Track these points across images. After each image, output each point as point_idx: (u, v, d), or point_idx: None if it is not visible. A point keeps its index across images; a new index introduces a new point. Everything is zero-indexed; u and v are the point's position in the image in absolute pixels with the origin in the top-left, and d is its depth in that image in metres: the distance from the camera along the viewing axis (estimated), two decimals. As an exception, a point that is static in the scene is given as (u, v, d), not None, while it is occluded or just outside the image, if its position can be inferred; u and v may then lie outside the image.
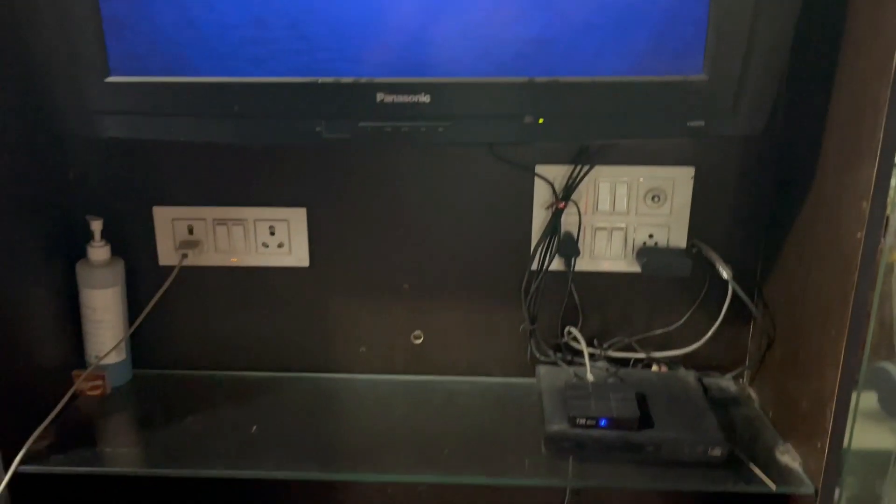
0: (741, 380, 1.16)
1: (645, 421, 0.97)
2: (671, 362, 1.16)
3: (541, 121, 0.88)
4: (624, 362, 1.16)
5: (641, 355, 1.15)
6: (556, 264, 1.12)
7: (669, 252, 1.10)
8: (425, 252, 1.13)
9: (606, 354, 1.15)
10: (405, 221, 1.12)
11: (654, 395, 1.05)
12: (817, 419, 0.92)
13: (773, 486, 0.92)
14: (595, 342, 1.16)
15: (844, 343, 0.86)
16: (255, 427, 1.04)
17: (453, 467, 0.97)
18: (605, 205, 1.09)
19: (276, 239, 1.12)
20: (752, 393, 1.13)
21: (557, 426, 0.97)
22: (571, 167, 1.07)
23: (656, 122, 0.88)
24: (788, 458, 0.98)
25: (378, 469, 0.97)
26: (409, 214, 1.11)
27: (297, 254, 1.13)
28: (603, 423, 0.96)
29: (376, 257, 1.13)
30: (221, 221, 1.11)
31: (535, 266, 1.10)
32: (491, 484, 0.96)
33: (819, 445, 0.91)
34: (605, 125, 0.89)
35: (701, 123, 0.88)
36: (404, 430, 1.05)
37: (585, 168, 1.07)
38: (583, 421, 0.97)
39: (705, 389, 1.08)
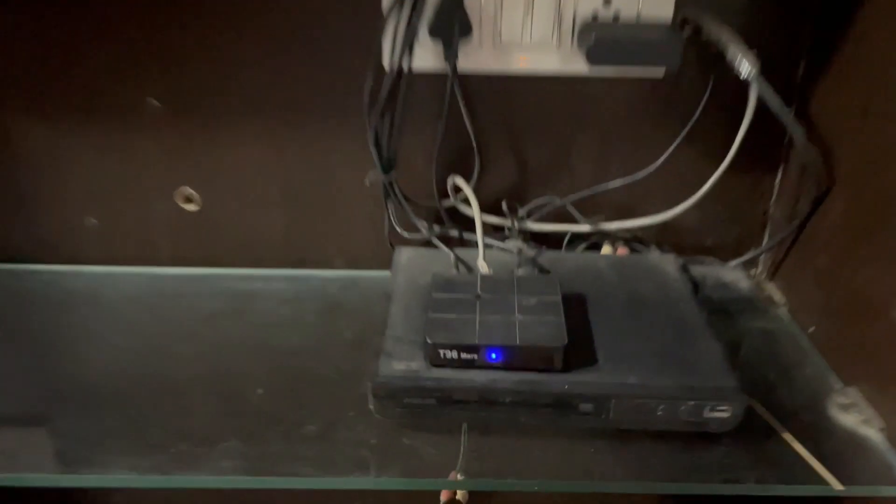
0: (754, 270, 0.68)
1: (578, 352, 0.49)
2: (635, 240, 0.66)
3: None
4: (555, 240, 0.66)
5: (584, 228, 0.65)
6: (428, 57, 0.59)
7: (641, 29, 0.57)
8: (184, 34, 0.59)
9: (522, 227, 0.65)
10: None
11: (602, 298, 0.55)
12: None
13: (837, 486, 0.45)
14: (504, 206, 0.65)
15: None
16: None
17: (207, 439, 0.48)
18: (518, -67, 0.56)
19: None
20: (776, 293, 0.64)
21: (400, 365, 0.48)
22: None
23: None
24: (856, 417, 0.50)
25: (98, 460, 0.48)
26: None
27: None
28: (493, 356, 0.47)
29: (91, 48, 0.59)
30: None
31: (386, 61, 0.58)
32: (262, 487, 0.47)
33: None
34: None
35: None
36: (169, 364, 0.55)
37: None
38: (452, 353, 0.47)
39: (695, 285, 0.59)
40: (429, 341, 0.47)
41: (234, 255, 0.68)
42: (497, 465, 0.47)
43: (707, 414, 0.47)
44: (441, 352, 0.47)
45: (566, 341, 0.47)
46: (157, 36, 0.59)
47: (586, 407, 0.47)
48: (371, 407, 0.48)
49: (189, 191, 0.65)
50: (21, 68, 0.60)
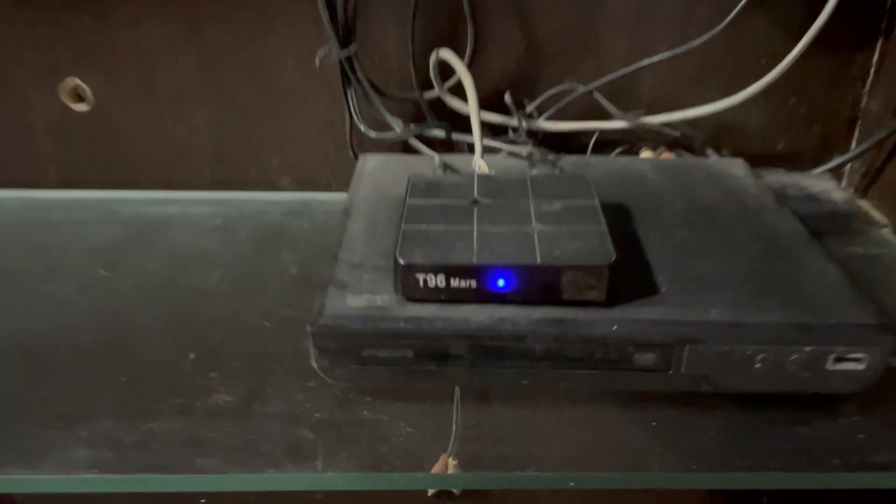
0: (841, 182, 0.51)
1: (632, 277, 0.32)
2: (683, 147, 0.49)
3: None
4: (574, 145, 0.49)
5: (617, 124, 0.48)
6: None
7: None
8: None
9: (533, 127, 0.48)
10: None
11: (655, 210, 0.39)
12: None
13: None
14: (508, 97, 0.48)
15: None
16: None
17: (68, 417, 0.31)
18: None
19: None
20: (872, 210, 0.48)
21: (357, 301, 0.31)
22: None
23: None
24: None
25: None
26: None
27: None
28: (500, 282, 0.30)
29: None
30: None
31: None
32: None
33: None
34: None
35: None
36: (60, 313, 0.39)
37: None
38: (436, 280, 0.30)
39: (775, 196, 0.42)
40: (401, 262, 0.30)
41: (141, 173, 0.50)
42: (506, 451, 0.31)
43: (832, 366, 0.30)
44: (420, 277, 0.30)
45: (613, 257, 0.30)
46: None
47: (645, 358, 0.30)
48: (314, 364, 0.31)
49: (78, 83, 0.48)
50: None
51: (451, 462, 0.30)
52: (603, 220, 0.33)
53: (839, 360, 0.30)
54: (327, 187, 0.51)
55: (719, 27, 0.44)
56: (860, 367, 0.30)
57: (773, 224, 0.37)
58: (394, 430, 0.31)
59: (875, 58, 0.48)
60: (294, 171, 0.51)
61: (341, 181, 0.50)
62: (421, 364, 0.31)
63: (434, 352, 0.31)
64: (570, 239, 0.31)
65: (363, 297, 0.31)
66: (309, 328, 0.30)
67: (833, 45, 0.46)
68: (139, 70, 0.47)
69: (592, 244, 0.31)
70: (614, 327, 0.30)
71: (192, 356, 0.35)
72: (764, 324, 0.30)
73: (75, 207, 0.49)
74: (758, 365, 0.30)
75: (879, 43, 0.47)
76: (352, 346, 0.30)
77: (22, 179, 0.50)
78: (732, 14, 0.43)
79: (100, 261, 0.43)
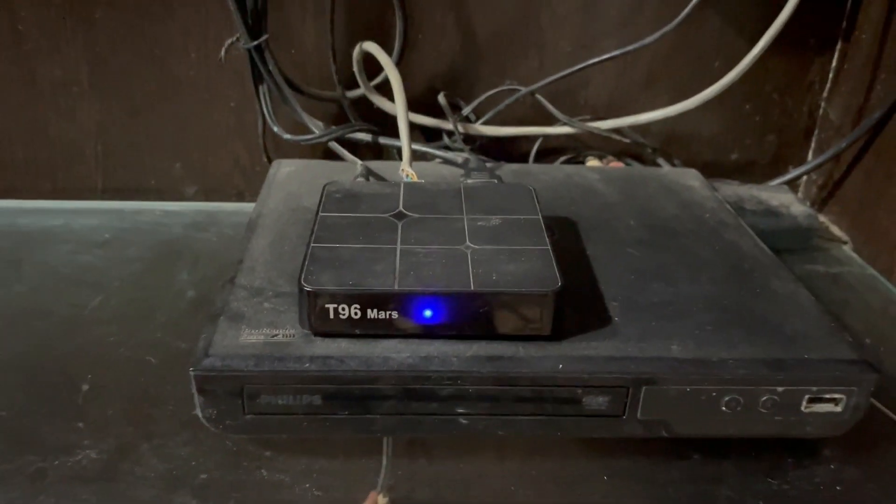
0: (797, 193, 0.48)
1: (583, 307, 0.28)
2: (632, 155, 0.45)
3: None
4: (515, 152, 0.45)
5: (562, 130, 0.44)
6: None
7: None
8: None
9: (469, 132, 0.43)
10: None
11: (603, 225, 0.34)
12: None
13: None
14: (441, 98, 0.43)
15: None
16: None
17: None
18: None
19: None
20: (831, 225, 0.45)
21: (253, 337, 0.26)
22: None
23: None
24: None
25: None
26: None
27: None
28: (427, 312, 0.25)
29: None
30: None
31: None
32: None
33: None
34: None
35: None
36: None
37: None
38: (349, 310, 0.25)
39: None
40: (307, 288, 0.25)
41: (18, 179, 0.43)
42: (436, 510, 0.26)
43: (806, 407, 0.26)
44: (330, 307, 0.25)
45: (559, 283, 0.26)
46: None
47: (596, 402, 0.26)
48: (199, 413, 0.25)
49: (-60, 73, 0.41)
50: None
51: (382, 500, 0.25)
52: (547, 239, 0.28)
53: (815, 400, 0.26)
54: (238, 197, 0.45)
55: (671, 25, 0.40)
56: (838, 408, 0.26)
57: (734, 242, 0.33)
58: (297, 493, 0.26)
59: (834, 62, 0.45)
60: (200, 177, 0.45)
61: (255, 190, 0.44)
62: (330, 412, 0.25)
63: (346, 397, 0.25)
64: (509, 261, 0.27)
65: (261, 332, 0.26)
66: (191, 370, 0.25)
67: (790, 48, 0.43)
68: (15, 58, 0.41)
69: (535, 267, 0.26)
70: (560, 366, 0.25)
71: (53, 401, 0.29)
72: (732, 360, 0.26)
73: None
74: (724, 407, 0.26)
75: (838, 46, 0.44)
76: (244, 391, 0.25)
77: None
78: (685, 12, 0.40)
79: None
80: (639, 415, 0.26)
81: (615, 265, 0.31)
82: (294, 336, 0.26)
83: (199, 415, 0.25)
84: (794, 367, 0.26)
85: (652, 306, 0.28)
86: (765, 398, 0.26)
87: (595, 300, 0.28)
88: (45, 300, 0.35)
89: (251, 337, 0.26)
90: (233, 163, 0.44)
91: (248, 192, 0.45)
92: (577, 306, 0.28)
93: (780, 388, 0.26)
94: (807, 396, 0.26)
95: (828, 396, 0.26)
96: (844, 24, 0.44)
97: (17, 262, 0.38)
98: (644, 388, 0.26)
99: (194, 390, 0.25)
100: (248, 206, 0.44)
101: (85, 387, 0.30)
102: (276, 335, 0.26)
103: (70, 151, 0.43)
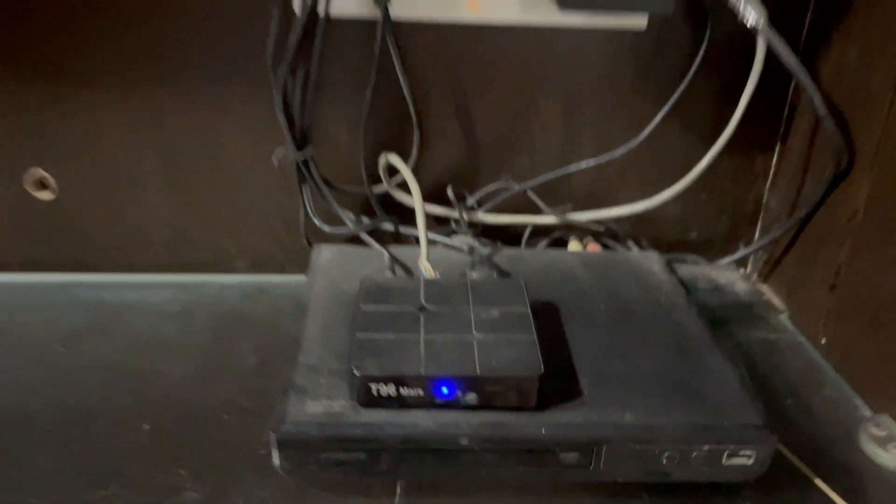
0: (744, 269, 0.57)
1: (560, 384, 0.37)
2: (608, 235, 0.55)
3: None
4: (510, 236, 0.54)
5: (548, 219, 0.53)
6: (351, 1, 0.46)
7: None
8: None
9: (473, 220, 0.52)
10: None
11: (578, 308, 0.44)
12: None
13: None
14: (450, 192, 0.53)
15: None
16: None
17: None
18: None
19: None
20: (773, 296, 0.54)
21: (316, 406, 0.35)
22: None
23: None
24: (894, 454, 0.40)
25: None
26: None
27: None
28: (444, 390, 0.35)
29: None
30: None
31: (297, 5, 0.44)
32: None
33: None
34: None
35: None
36: (18, 396, 0.41)
37: None
38: (387, 390, 0.34)
39: (686, 289, 0.48)
40: (356, 373, 0.34)
41: (101, 257, 0.53)
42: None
43: (726, 461, 0.35)
44: (373, 387, 0.34)
45: (542, 369, 0.35)
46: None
47: (570, 457, 0.35)
48: (276, 464, 0.34)
49: (42, 174, 0.50)
50: None
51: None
52: (533, 329, 0.37)
53: (732, 455, 0.35)
54: (281, 269, 0.54)
55: (638, 139, 0.49)
56: (749, 462, 0.35)
57: (682, 324, 0.42)
58: (346, 522, 0.35)
59: (774, 160, 0.54)
60: (249, 254, 0.54)
61: (294, 264, 0.53)
62: (374, 464, 0.34)
63: (386, 453, 0.34)
64: (505, 349, 0.36)
65: (321, 403, 0.35)
66: (273, 435, 0.34)
67: (739, 149, 0.52)
68: (101, 159, 0.50)
69: (524, 356, 0.35)
70: (542, 431, 0.34)
71: (157, 450, 0.38)
72: (669, 426, 0.35)
73: (37, 291, 0.51)
74: (664, 460, 0.35)
75: (777, 148, 0.54)
76: (311, 449, 0.34)
77: (-18, 261, 0.52)
78: (649, 128, 0.49)
79: (61, 349, 0.45)
80: (601, 466, 0.35)
81: (587, 345, 0.40)
82: (345, 407, 0.35)
83: (277, 466, 0.34)
84: (716, 432, 0.35)
85: (613, 381, 0.37)
86: (695, 454, 0.35)
87: (570, 376, 0.38)
88: (136, 364, 0.44)
89: (314, 408, 0.35)
90: (276, 242, 0.53)
91: (288, 265, 0.54)
92: (557, 382, 0.37)
93: (706, 447, 0.35)
94: (726, 453, 0.35)
95: (741, 453, 0.35)
96: (782, 129, 0.53)
97: (107, 331, 0.47)
98: (605, 446, 0.35)
99: (274, 448, 0.34)
100: (289, 278, 0.54)
101: (176, 437, 0.39)
102: (332, 406, 0.35)
103: (142, 233, 0.52)
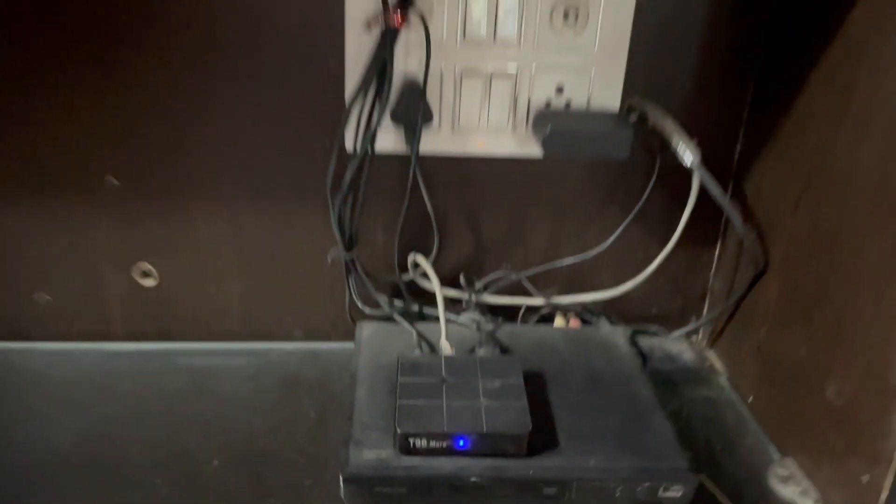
0: (696, 338, 0.72)
1: (541, 436, 0.51)
2: (586, 311, 0.69)
3: None
4: (510, 313, 0.68)
5: (538, 301, 0.68)
6: (390, 140, 0.61)
7: (591, 119, 0.61)
8: (143, 115, 0.59)
9: (479, 300, 0.67)
10: (100, 45, 0.57)
11: (560, 375, 0.58)
12: (864, 422, 0.48)
13: (781, 561, 0.48)
14: (462, 280, 0.67)
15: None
16: None
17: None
18: (478, 26, 0.58)
19: None
20: (716, 361, 0.69)
21: (371, 453, 0.49)
22: (414, -53, 0.55)
23: None
24: (794, 489, 0.54)
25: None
26: (105, 30, 0.57)
27: None
28: (461, 443, 0.49)
29: (49, 127, 0.59)
30: None
31: (349, 144, 0.59)
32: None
33: (866, 477, 0.48)
34: None
35: None
36: (122, 443, 0.55)
37: (440, -51, 0.55)
38: (422, 442, 0.49)
39: (643, 359, 0.63)
40: (399, 431, 0.48)
41: (191, 330, 0.67)
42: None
43: (661, 494, 0.49)
44: (411, 440, 0.49)
45: (530, 427, 0.49)
46: (117, 115, 0.59)
47: (550, 490, 0.49)
48: (342, 496, 0.49)
49: (146, 266, 0.65)
50: (-27, 145, 0.59)
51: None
52: (525, 397, 0.51)
53: (666, 489, 0.49)
54: (328, 338, 0.69)
55: (606, 243, 0.64)
56: (678, 494, 0.49)
57: (636, 389, 0.57)
58: (393, 538, 0.49)
59: (716, 254, 0.69)
60: (305, 326, 0.68)
61: (339, 334, 0.68)
62: (412, 496, 0.49)
63: (420, 488, 0.49)
64: (504, 412, 0.50)
65: (373, 452, 0.49)
66: (341, 475, 0.48)
67: (688, 246, 0.67)
68: (193, 255, 0.65)
69: (518, 417, 0.50)
70: (531, 472, 0.49)
71: (248, 487, 0.52)
72: (621, 468, 0.49)
73: (140, 358, 0.65)
74: (618, 494, 0.49)
75: (718, 245, 0.68)
76: (368, 485, 0.48)
77: (96, 333, 0.66)
78: (616, 233, 0.64)
79: (162, 404, 0.60)
80: (573, 497, 0.49)
81: (564, 407, 0.54)
82: (391, 455, 0.49)
83: (343, 497, 0.49)
84: (655, 473, 0.49)
85: (582, 435, 0.52)
86: (639, 489, 0.49)
87: (551, 432, 0.52)
88: (222, 417, 0.59)
89: (368, 455, 0.49)
90: (327, 318, 0.68)
91: (334, 336, 0.69)
92: (541, 436, 0.51)
93: (646, 484, 0.49)
94: (661, 488, 0.49)
95: (672, 489, 0.49)
96: (721, 230, 0.68)
97: (197, 390, 0.62)
98: (575, 483, 0.49)
99: (342, 485, 0.48)
100: (335, 345, 0.68)
101: (259, 475, 0.53)
102: (381, 454, 0.49)
103: (223, 310, 0.67)
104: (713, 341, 0.70)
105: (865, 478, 0.48)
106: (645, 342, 0.66)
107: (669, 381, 0.64)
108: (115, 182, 0.61)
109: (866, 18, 0.50)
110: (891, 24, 0.47)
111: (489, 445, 0.49)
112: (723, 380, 0.66)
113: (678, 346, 0.66)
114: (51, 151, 0.60)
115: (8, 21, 0.55)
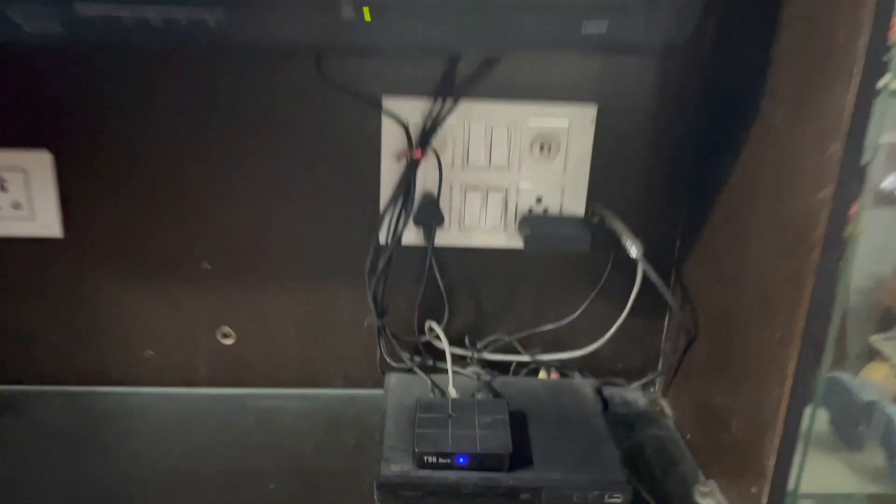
0: (652, 389, 0.90)
1: (520, 456, 0.70)
2: (565, 367, 0.88)
3: (367, 16, 0.58)
4: (504, 367, 0.87)
5: (525, 358, 0.87)
6: (412, 236, 0.82)
7: (562, 222, 0.82)
8: (230, 217, 0.81)
9: (480, 357, 0.86)
10: (199, 173, 0.79)
11: (538, 414, 0.77)
12: (753, 449, 0.66)
13: (692, 549, 0.66)
14: (466, 341, 0.87)
15: (797, 345, 0.60)
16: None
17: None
18: (477, 156, 0.80)
19: (10, 197, 0.78)
20: (666, 407, 0.87)
21: (396, 467, 0.68)
22: (431, 101, 0.77)
23: (537, 24, 0.59)
24: (711, 502, 0.72)
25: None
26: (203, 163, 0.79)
27: (42, 219, 0.79)
28: (461, 460, 0.68)
29: (159, 223, 0.81)
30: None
31: (383, 239, 0.80)
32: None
33: (754, 489, 0.66)
34: (460, 27, 0.59)
35: (602, 27, 0.59)
36: (206, 465, 0.74)
37: (450, 103, 0.77)
38: (433, 459, 0.68)
39: (605, 404, 0.81)
40: (416, 450, 0.68)
41: (259, 378, 0.87)
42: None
43: (607, 500, 0.68)
44: (425, 458, 0.68)
45: (511, 449, 0.68)
46: (211, 218, 0.81)
47: (526, 496, 0.68)
48: (375, 498, 0.68)
49: (227, 328, 0.86)
50: (107, 238, 0.81)
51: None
52: (509, 428, 0.70)
53: (610, 497, 0.68)
54: (364, 385, 0.88)
55: (576, 314, 0.84)
56: (619, 500, 0.68)
57: (595, 427, 0.75)
58: (411, 529, 0.68)
59: (665, 323, 0.88)
60: (344, 376, 0.88)
61: (372, 383, 0.87)
62: (425, 499, 0.67)
63: (431, 493, 0.67)
64: (492, 438, 0.69)
65: (399, 466, 0.68)
66: (374, 483, 0.67)
67: (642, 315, 0.86)
68: (262, 322, 0.85)
69: (503, 442, 0.69)
70: (511, 482, 0.67)
71: (305, 494, 0.71)
72: (577, 480, 0.68)
73: (217, 401, 0.85)
74: (575, 499, 0.68)
75: (667, 317, 0.88)
76: (394, 490, 0.67)
77: (187, 381, 0.87)
78: (582, 307, 0.84)
79: (238, 436, 0.79)
80: (543, 501, 0.68)
81: (539, 437, 0.73)
82: (411, 468, 0.68)
83: (375, 499, 0.67)
84: (602, 484, 0.67)
85: (550, 456, 0.70)
86: (590, 496, 0.67)
87: (527, 454, 0.70)
88: (282, 448, 0.78)
89: (395, 468, 0.68)
90: (362, 370, 0.88)
91: (368, 383, 0.88)
92: (520, 457, 0.69)
93: (595, 492, 0.67)
94: (606, 496, 0.68)
95: (615, 496, 0.68)
96: (669, 304, 0.87)
97: (265, 427, 0.81)
98: (544, 490, 0.67)
99: (375, 490, 0.67)
100: (369, 392, 0.87)
101: (314, 486, 0.72)
102: (404, 468, 0.68)
103: (283, 362, 0.87)
104: (664, 391, 0.88)
105: (754, 489, 0.66)
106: (609, 391, 0.85)
107: (627, 423, 0.82)
108: (208, 266, 0.83)
109: (757, 154, 0.70)
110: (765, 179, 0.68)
111: (481, 462, 0.68)
112: (670, 421, 0.84)
113: (635, 394, 0.85)
114: (159, 242, 0.81)
115: (151, 144, 0.78)
